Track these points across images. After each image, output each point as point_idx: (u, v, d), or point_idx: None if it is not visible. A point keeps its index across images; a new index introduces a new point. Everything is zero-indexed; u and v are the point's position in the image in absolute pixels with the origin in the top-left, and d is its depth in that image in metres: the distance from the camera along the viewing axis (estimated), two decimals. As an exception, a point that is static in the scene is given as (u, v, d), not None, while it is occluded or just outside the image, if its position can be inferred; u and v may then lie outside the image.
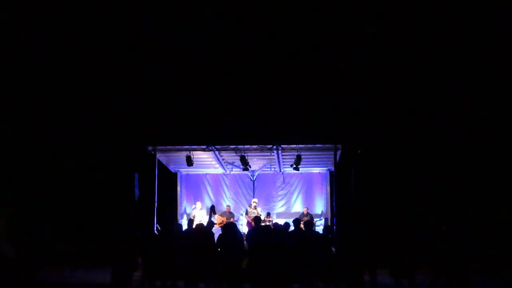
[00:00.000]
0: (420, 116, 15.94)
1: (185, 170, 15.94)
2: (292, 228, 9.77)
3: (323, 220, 15.25)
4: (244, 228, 14.15)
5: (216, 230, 11.27)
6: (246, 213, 14.70)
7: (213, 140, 13.19)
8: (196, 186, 16.55)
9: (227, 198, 16.37)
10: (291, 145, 13.26)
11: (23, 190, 14.94)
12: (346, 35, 15.83)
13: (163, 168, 15.18)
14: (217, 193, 16.44)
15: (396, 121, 15.78)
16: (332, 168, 14.59)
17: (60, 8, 15.09)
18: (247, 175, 15.95)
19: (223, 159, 15.00)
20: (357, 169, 13.10)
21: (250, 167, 14.27)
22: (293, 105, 15.69)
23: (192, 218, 14.31)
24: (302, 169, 14.71)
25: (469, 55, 15.15)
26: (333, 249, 9.88)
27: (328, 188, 15.79)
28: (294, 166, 13.81)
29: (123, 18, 15.53)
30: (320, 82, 16.14)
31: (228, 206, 15.58)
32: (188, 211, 16.11)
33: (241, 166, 14.05)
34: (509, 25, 14.52)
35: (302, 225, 9.71)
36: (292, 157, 13.86)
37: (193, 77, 16.36)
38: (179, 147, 13.60)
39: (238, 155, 13.64)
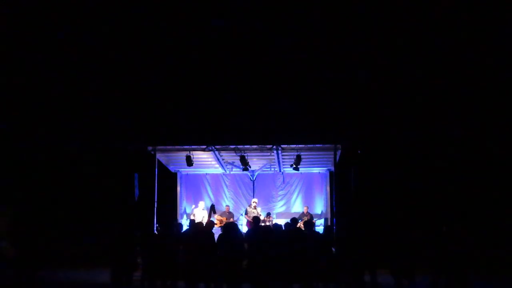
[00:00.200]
0: (420, 116, 15.94)
1: (185, 170, 15.94)
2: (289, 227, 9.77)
3: (323, 220, 15.26)
4: (244, 228, 14.15)
5: (216, 230, 11.27)
6: (246, 213, 14.70)
7: (213, 140, 13.18)
8: (196, 186, 16.56)
9: (227, 198, 16.38)
10: (291, 145, 13.26)
11: (23, 190, 14.95)
12: (346, 35, 15.83)
13: (163, 168, 15.18)
14: (217, 193, 16.45)
15: (396, 121, 15.78)
16: (332, 168, 14.59)
17: (61, 8, 15.09)
18: (247, 175, 15.96)
19: (223, 159, 15.01)
20: (357, 169, 13.09)
21: (250, 167, 14.27)
22: (293, 105, 15.68)
23: (193, 217, 14.32)
24: (302, 169, 14.72)
25: (469, 55, 15.14)
26: (333, 249, 9.89)
27: (328, 188, 15.79)
28: (294, 166, 13.81)
29: (123, 17, 15.53)
30: (320, 82, 16.14)
31: (227, 206, 15.59)
32: (188, 211, 16.11)
33: (241, 166, 14.06)
34: (509, 25, 14.52)
35: (301, 225, 9.72)
36: (292, 157, 13.87)
37: (193, 77, 16.36)
38: (179, 147, 13.60)
39: (238, 155, 13.64)
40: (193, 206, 15.60)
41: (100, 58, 15.84)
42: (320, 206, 16.15)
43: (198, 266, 9.05)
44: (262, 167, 15.57)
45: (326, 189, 15.98)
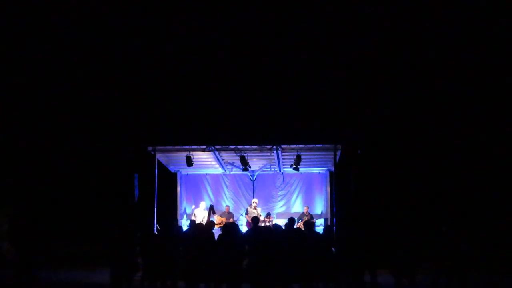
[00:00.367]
0: (420, 116, 15.95)
1: (185, 170, 15.93)
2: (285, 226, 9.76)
3: (323, 220, 15.25)
4: (244, 228, 14.15)
5: (217, 231, 11.27)
6: (246, 213, 14.70)
7: (213, 140, 13.18)
8: (196, 186, 16.54)
9: (227, 198, 16.37)
10: (291, 145, 13.25)
11: (23, 191, 14.95)
12: (346, 35, 15.84)
13: (163, 168, 15.18)
14: (217, 193, 16.43)
15: (396, 121, 15.80)
16: (332, 168, 14.57)
17: (61, 9, 15.10)
18: (247, 175, 15.95)
19: (223, 159, 15.00)
20: (357, 169, 13.09)
21: (250, 167, 14.27)
22: (293, 105, 15.70)
23: (194, 217, 14.31)
24: (302, 169, 14.71)
25: (469, 55, 15.15)
26: (333, 249, 9.89)
27: (328, 188, 15.77)
28: (294, 166, 13.80)
29: (124, 18, 15.54)
30: (320, 82, 16.16)
31: (227, 206, 15.58)
32: (188, 211, 16.11)
33: (241, 166, 14.05)
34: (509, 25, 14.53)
35: (300, 225, 9.72)
36: (292, 157, 13.86)
37: (192, 77, 16.38)
38: (179, 147, 13.59)
39: (238, 155, 13.63)
40: (193, 206, 15.60)
41: (100, 58, 15.86)
42: (320, 206, 16.14)
43: (198, 266, 9.05)
44: (262, 167, 15.56)
45: (326, 189, 15.97)
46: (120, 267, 9.26)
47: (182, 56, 16.23)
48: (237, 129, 13.40)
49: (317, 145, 13.29)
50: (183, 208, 16.22)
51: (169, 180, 16.00)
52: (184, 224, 15.01)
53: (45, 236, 10.57)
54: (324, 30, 15.90)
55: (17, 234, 10.17)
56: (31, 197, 14.83)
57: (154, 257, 9.30)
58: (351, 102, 15.79)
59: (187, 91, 16.11)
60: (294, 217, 10.76)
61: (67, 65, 15.75)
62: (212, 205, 14.12)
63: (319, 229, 14.04)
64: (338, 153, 13.51)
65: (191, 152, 13.60)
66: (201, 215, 14.44)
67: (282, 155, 14.21)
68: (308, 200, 16.08)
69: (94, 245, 13.69)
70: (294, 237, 9.25)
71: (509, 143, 15.08)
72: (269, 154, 14.14)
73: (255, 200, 14.92)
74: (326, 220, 15.16)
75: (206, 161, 14.98)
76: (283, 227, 9.83)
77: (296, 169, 13.95)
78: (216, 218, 14.28)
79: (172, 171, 16.07)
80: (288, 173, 16.11)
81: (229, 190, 16.43)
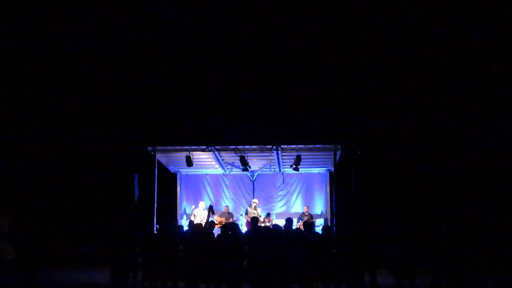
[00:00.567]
0: (420, 116, 15.95)
1: (184, 171, 15.94)
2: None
3: (323, 220, 15.26)
4: (244, 228, 14.15)
5: (217, 231, 11.26)
6: (246, 213, 14.70)
7: (212, 140, 13.19)
8: (196, 186, 16.55)
9: (226, 198, 16.37)
10: (290, 146, 13.26)
11: (23, 191, 14.95)
12: (346, 35, 15.85)
13: (163, 169, 15.18)
14: (217, 194, 16.44)
15: (396, 121, 15.80)
16: (332, 169, 14.59)
17: (61, 9, 15.11)
18: (246, 175, 15.95)
19: (222, 160, 15.01)
20: (357, 169, 13.10)
21: (249, 167, 14.27)
22: (293, 106, 15.71)
23: (193, 218, 14.31)
24: (302, 170, 14.71)
25: (469, 55, 15.16)
26: (333, 249, 9.88)
27: (328, 188, 15.77)
28: (294, 166, 13.81)
29: (124, 19, 15.54)
30: (320, 83, 16.16)
31: (226, 206, 15.58)
32: (188, 211, 16.11)
33: (241, 167, 14.05)
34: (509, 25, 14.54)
35: (300, 225, 9.70)
36: (292, 157, 13.86)
37: (192, 78, 16.38)
38: (178, 147, 13.59)
39: (238, 156, 13.63)
40: (193, 206, 15.60)
41: (100, 59, 15.86)
42: (320, 206, 16.14)
43: (198, 266, 9.04)
44: (262, 167, 15.57)
45: (326, 190, 15.97)
46: (120, 267, 9.26)
47: (182, 56, 16.24)
48: (236, 129, 13.41)
49: (317, 145, 13.30)
50: (183, 208, 16.23)
51: (169, 180, 16.00)
52: (184, 224, 15.00)
53: (45, 236, 10.57)
54: (324, 30, 15.90)
55: (17, 234, 10.18)
56: (31, 197, 14.84)
57: (154, 257, 9.29)
58: (351, 102, 15.80)
59: (187, 91, 16.12)
60: (294, 217, 10.77)
61: (67, 65, 15.75)
62: (211, 205, 14.09)
63: (319, 229, 14.04)
64: (338, 153, 13.51)
65: (191, 152, 13.61)
66: (200, 215, 14.44)
67: (282, 155, 14.21)
68: (308, 200, 16.09)
69: (94, 245, 13.68)
70: (294, 237, 9.24)
71: (509, 143, 15.08)
72: (269, 154, 14.15)
73: (255, 200, 14.92)
74: (326, 220, 15.17)
75: (206, 161, 14.98)
76: (283, 228, 9.83)
77: (296, 169, 13.95)
78: (215, 218, 14.28)
79: (172, 171, 16.07)
80: (288, 173, 16.11)
81: (229, 190, 16.44)
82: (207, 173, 16.36)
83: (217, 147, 13.53)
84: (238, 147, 13.31)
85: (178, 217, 15.72)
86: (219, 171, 16.10)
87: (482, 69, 15.11)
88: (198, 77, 16.30)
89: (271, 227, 12.71)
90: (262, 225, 13.54)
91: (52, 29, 15.23)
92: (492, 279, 10.68)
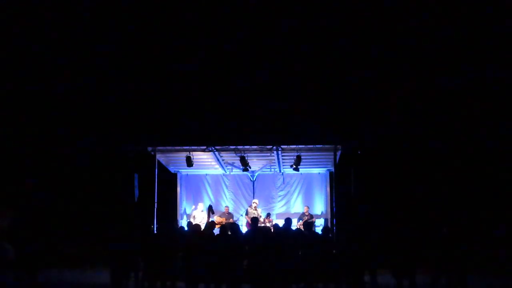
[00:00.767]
0: (420, 116, 15.96)
1: (185, 171, 15.93)
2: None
3: (323, 220, 15.25)
4: (244, 229, 14.14)
5: (217, 231, 11.26)
6: (247, 214, 14.69)
7: (213, 140, 13.18)
8: (196, 186, 16.53)
9: (226, 198, 16.36)
10: (291, 146, 13.25)
11: (23, 191, 14.96)
12: (346, 36, 15.86)
13: (163, 169, 15.17)
14: (217, 194, 16.42)
15: (395, 122, 15.80)
16: (332, 169, 14.58)
17: (62, 10, 15.12)
18: (247, 175, 15.94)
19: (223, 160, 15.00)
20: (357, 169, 13.11)
21: (250, 167, 14.27)
22: (293, 106, 15.72)
23: (192, 219, 14.30)
24: (302, 170, 14.70)
25: (469, 55, 15.17)
26: (333, 249, 9.88)
27: (328, 188, 15.76)
28: (294, 166, 13.80)
29: (124, 19, 15.56)
30: (320, 83, 16.17)
31: (226, 207, 15.56)
32: (188, 211, 16.10)
33: (241, 167, 14.05)
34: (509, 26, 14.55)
35: (299, 225, 9.71)
36: (292, 157, 13.85)
37: (192, 78, 16.39)
38: (179, 147, 13.59)
39: (238, 156, 13.62)
40: (193, 207, 15.59)
41: (100, 59, 15.88)
42: (320, 206, 16.13)
43: (198, 266, 9.04)
44: (262, 167, 15.56)
45: (326, 190, 15.96)
46: (120, 267, 9.26)
47: (182, 56, 16.25)
48: (237, 129, 13.42)
49: (317, 146, 13.30)
50: (183, 209, 16.22)
51: (169, 180, 15.99)
52: (184, 225, 15.00)
53: (45, 236, 10.57)
54: (324, 31, 15.92)
55: (17, 234, 10.17)
56: (31, 197, 14.84)
57: (154, 257, 9.29)
58: (351, 103, 15.81)
59: (187, 92, 16.12)
60: (294, 217, 10.76)
61: (67, 65, 15.77)
62: (211, 205, 14.10)
63: (319, 229, 14.04)
64: (338, 153, 13.51)
65: (191, 152, 13.60)
66: (200, 216, 14.44)
67: (282, 156, 14.21)
68: (308, 201, 16.07)
69: (94, 245, 13.68)
70: (294, 238, 9.25)
71: (509, 143, 15.09)
72: (269, 154, 14.14)
73: (255, 200, 14.91)
74: (326, 220, 15.16)
75: (206, 162, 14.97)
76: (283, 228, 9.84)
77: (296, 169, 13.94)
78: (215, 219, 14.27)
79: (172, 171, 16.07)
80: (288, 174, 16.10)
81: (229, 190, 16.42)
82: (207, 173, 16.35)
83: (217, 147, 13.53)
84: (238, 147, 13.31)
85: (178, 217, 15.71)
86: (219, 171, 16.09)
87: (482, 69, 15.11)
88: (198, 77, 16.31)
89: (271, 227, 12.71)
90: (262, 225, 13.54)
91: (52, 29, 15.25)
92: (492, 279, 10.69)
